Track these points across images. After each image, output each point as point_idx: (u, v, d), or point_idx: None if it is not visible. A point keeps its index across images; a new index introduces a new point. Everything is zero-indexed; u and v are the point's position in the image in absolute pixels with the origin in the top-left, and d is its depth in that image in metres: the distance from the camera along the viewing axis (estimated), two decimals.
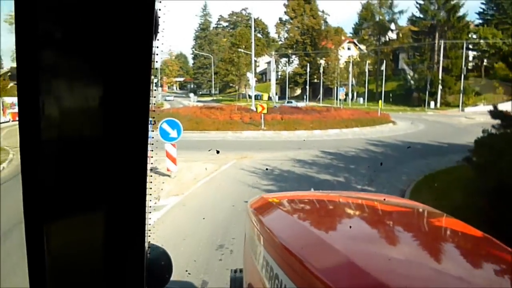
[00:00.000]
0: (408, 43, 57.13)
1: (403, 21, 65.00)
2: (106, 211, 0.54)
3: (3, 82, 26.43)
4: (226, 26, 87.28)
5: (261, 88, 67.05)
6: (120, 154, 0.54)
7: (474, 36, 50.91)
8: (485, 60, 52.15)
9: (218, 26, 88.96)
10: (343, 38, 66.43)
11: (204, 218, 8.14)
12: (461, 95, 47.56)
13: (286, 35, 69.12)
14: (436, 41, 50.90)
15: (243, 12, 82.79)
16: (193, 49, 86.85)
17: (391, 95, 53.40)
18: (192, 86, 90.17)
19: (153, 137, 0.71)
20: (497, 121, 10.61)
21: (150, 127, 0.57)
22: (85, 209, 0.54)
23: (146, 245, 0.66)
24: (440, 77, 49.36)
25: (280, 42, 71.77)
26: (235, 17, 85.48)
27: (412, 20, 56.17)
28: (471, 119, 35.66)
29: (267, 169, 13.00)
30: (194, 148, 16.91)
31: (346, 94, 54.00)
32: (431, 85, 48.66)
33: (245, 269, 2.11)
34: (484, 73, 51.64)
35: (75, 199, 0.54)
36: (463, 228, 1.60)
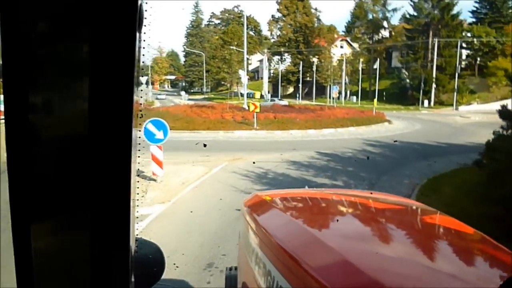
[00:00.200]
0: (401, 41, 56.78)
1: (395, 20, 64.58)
2: (92, 211, 0.55)
3: None
4: (218, 23, 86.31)
5: (253, 86, 66.30)
6: (104, 152, 0.54)
7: (468, 35, 50.58)
8: (478, 59, 51.87)
9: (210, 23, 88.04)
10: (336, 36, 66.00)
11: (191, 231, 7.31)
12: (455, 93, 47.19)
13: (278, 32, 68.38)
14: (430, 40, 50.54)
15: (235, 9, 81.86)
16: (185, 47, 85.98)
17: (384, 93, 52.93)
18: (183, 84, 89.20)
19: (139, 137, 0.65)
20: (496, 121, 10.01)
21: (133, 126, 0.56)
22: (72, 208, 0.55)
23: (133, 244, 0.64)
24: (434, 75, 48.96)
25: (272, 40, 71.03)
26: (227, 15, 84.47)
27: (406, 18, 55.80)
28: (466, 118, 35.31)
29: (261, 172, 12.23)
30: (184, 149, 16.07)
31: (339, 93, 53.34)
32: (425, 84, 48.19)
33: (239, 266, 2.09)
34: (477, 72, 51.36)
35: (62, 199, 0.55)
36: (456, 226, 1.61)
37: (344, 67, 55.84)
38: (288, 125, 25.53)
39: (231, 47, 58.05)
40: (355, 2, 62.42)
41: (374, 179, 11.61)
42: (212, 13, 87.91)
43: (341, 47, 64.96)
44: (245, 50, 39.97)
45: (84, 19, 0.51)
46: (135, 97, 0.56)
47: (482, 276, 1.12)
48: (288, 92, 67.60)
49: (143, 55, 0.61)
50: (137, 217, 0.69)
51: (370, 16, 61.56)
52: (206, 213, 8.57)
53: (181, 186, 10.96)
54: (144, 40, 0.60)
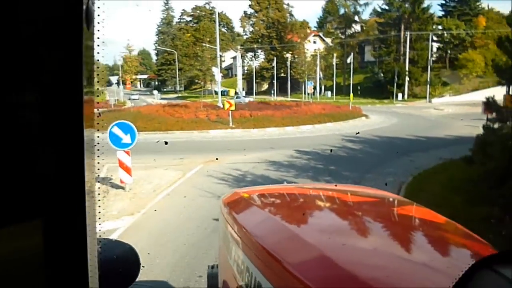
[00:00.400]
0: (374, 35, 57.01)
1: (366, 15, 64.68)
2: (44, 217, 0.54)
3: None
4: (190, 20, 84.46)
5: (227, 84, 65.31)
6: (53, 156, 0.53)
7: (440, 27, 51.18)
8: (449, 51, 52.63)
9: (181, 21, 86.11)
10: (308, 31, 65.74)
11: (161, 249, 6.48)
12: (428, 86, 47.65)
13: (251, 29, 67.47)
14: (402, 33, 50.86)
15: (207, 6, 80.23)
16: (156, 45, 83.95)
17: (359, 87, 52.99)
18: (156, 83, 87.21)
19: (98, 143, 0.63)
20: (469, 112, 9.61)
21: (84, 127, 0.55)
22: (24, 214, 0.53)
23: (95, 246, 0.63)
24: (407, 68, 49.32)
25: (245, 36, 70.17)
26: (198, 12, 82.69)
27: (378, 12, 56.01)
28: (441, 110, 35.56)
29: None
30: (156, 152, 15.12)
31: (314, 88, 53.08)
32: (398, 77, 48.44)
33: (219, 264, 2.09)
34: (448, 64, 52.11)
35: (13, 204, 0.53)
36: (430, 216, 1.65)
37: (318, 62, 55.61)
38: (264, 122, 24.86)
39: (204, 44, 56.82)
40: None
41: (358, 178, 11.04)
42: (183, 10, 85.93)
43: (314, 42, 64.82)
44: (217, 47, 39.01)
45: (26, 16, 0.49)
46: (87, 96, 0.54)
47: (453, 264, 1.13)
48: (263, 89, 66.96)
49: (98, 53, 0.59)
50: (104, 232, 0.66)
51: (342, 11, 61.60)
52: (179, 226, 7.74)
53: (152, 194, 10.07)
54: (98, 38, 0.58)
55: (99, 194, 0.64)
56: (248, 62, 68.21)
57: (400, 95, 49.23)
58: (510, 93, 11.82)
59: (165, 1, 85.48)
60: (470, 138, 17.60)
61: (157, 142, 15.34)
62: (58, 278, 0.55)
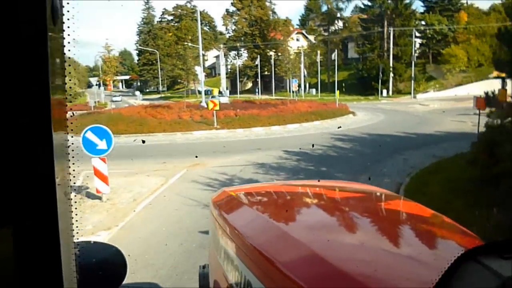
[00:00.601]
0: (357, 32, 56.75)
1: (348, 12, 64.58)
2: (15, 223, 0.53)
3: None
4: (171, 20, 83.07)
5: (211, 83, 64.26)
6: (23, 161, 0.51)
7: (422, 23, 51.21)
8: (432, 47, 52.70)
9: (163, 20, 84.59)
10: (291, 29, 65.22)
11: (139, 270, 5.70)
12: (412, 82, 47.62)
13: (234, 27, 66.67)
14: (385, 29, 50.71)
15: (188, 4, 78.98)
16: (137, 45, 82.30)
17: (343, 84, 52.65)
18: (138, 83, 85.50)
19: (73, 150, 0.61)
20: (454, 107, 9.11)
21: (53, 130, 0.52)
22: None
23: (71, 250, 0.63)
24: (391, 64, 49.21)
25: (228, 35, 69.23)
26: (180, 11, 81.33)
27: (361, 9, 55.76)
28: (426, 106, 35.42)
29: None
30: (137, 156, 14.28)
31: (299, 86, 52.56)
32: (382, 73, 48.25)
33: (210, 264, 2.08)
34: (432, 59, 52.18)
35: None
36: (418, 209, 1.67)
37: (302, 59, 55.09)
38: (250, 122, 24.15)
39: (186, 43, 55.69)
40: None
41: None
42: (164, 9, 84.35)
43: (297, 40, 64.34)
44: (200, 46, 38.03)
45: None
46: (56, 98, 0.52)
47: (440, 256, 1.12)
48: (247, 88, 66.20)
49: (69, 50, 0.57)
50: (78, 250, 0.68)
51: (325, 8, 61.29)
52: (160, 242, 6.97)
53: (131, 204, 9.26)
54: (69, 35, 0.57)
55: (75, 202, 0.63)
56: (231, 61, 67.32)
57: (384, 91, 49.07)
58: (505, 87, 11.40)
59: (145, 1, 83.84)
60: (459, 133, 17.37)
61: (134, 140, 15.02)
62: (31, 284, 0.54)
